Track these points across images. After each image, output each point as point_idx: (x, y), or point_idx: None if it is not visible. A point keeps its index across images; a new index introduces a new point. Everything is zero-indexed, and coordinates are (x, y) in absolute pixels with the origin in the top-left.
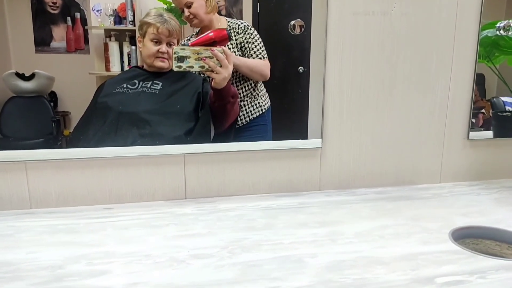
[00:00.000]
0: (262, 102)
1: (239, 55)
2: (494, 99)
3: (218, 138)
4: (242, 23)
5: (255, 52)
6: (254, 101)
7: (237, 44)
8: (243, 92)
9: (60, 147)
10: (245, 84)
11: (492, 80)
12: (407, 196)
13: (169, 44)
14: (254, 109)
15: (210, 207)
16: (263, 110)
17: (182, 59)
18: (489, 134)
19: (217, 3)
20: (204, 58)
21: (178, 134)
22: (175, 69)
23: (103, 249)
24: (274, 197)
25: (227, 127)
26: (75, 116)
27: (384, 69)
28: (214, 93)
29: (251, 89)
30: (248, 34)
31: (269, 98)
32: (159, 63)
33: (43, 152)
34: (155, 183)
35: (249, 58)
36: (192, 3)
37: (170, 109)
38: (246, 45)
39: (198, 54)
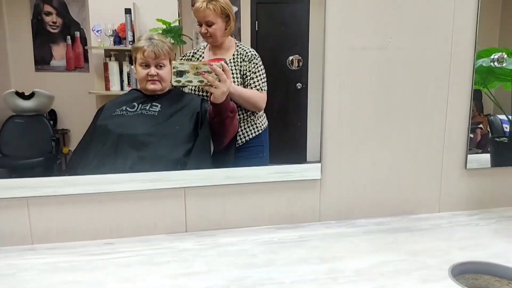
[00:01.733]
0: (259, 123)
1: (240, 82)
2: (492, 117)
3: (219, 156)
4: (250, 51)
5: (254, 83)
6: (250, 122)
7: (240, 71)
8: (240, 114)
9: (60, 165)
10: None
11: (489, 95)
12: (407, 228)
13: (159, 66)
14: (250, 130)
15: (211, 241)
16: (260, 131)
17: (180, 73)
18: (486, 156)
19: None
20: (203, 73)
21: (178, 156)
22: (174, 83)
23: None
24: (275, 229)
25: (227, 143)
26: (75, 134)
27: (381, 101)
28: (213, 108)
29: (248, 111)
30: (252, 63)
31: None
32: (150, 86)
33: (44, 181)
34: (155, 217)
35: (247, 87)
36: (213, 23)
37: (169, 130)
38: (248, 73)
39: (197, 69)
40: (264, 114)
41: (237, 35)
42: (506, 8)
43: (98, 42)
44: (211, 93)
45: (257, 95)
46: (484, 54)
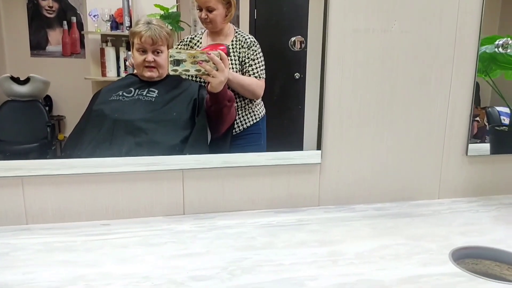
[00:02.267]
0: (256, 111)
1: (239, 69)
2: (489, 109)
3: (215, 143)
4: (249, 37)
5: (253, 70)
6: (248, 109)
7: (239, 57)
8: (238, 101)
9: (55, 151)
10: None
11: (486, 88)
12: (407, 213)
13: (156, 52)
14: (248, 118)
15: (209, 223)
16: (258, 119)
17: (177, 62)
18: (486, 146)
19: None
20: (200, 62)
21: (174, 142)
22: (171, 72)
23: (100, 269)
24: (274, 213)
25: (224, 131)
26: (70, 120)
27: (383, 85)
28: (210, 97)
29: (246, 98)
30: (252, 50)
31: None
32: (147, 73)
33: (39, 163)
34: (153, 199)
35: (245, 74)
36: (214, 9)
37: (166, 117)
38: (247, 60)
39: (194, 57)
40: (262, 102)
41: (235, 22)
42: None
43: (95, 27)
44: (208, 82)
45: (256, 82)
46: (487, 41)
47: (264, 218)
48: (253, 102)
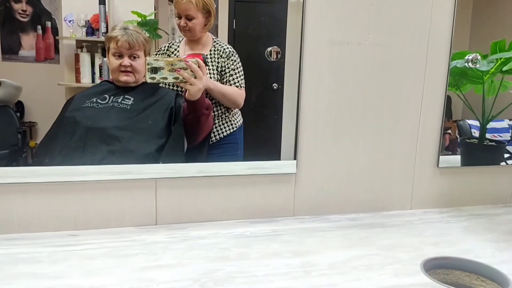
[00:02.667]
0: (234, 120)
1: (217, 79)
2: (461, 122)
3: (192, 152)
4: (227, 47)
5: (233, 79)
6: (225, 119)
7: (217, 67)
8: (215, 110)
9: (25, 159)
10: (218, 103)
11: (458, 101)
12: (379, 224)
13: (132, 57)
14: (225, 127)
15: (182, 234)
16: (235, 128)
17: (155, 70)
18: (457, 158)
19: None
20: (178, 70)
21: (149, 150)
22: (149, 80)
23: (66, 281)
24: (248, 223)
25: (201, 140)
26: (42, 127)
27: (357, 97)
28: (188, 105)
29: (223, 108)
30: (231, 60)
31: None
32: (123, 77)
33: (6, 171)
34: (124, 209)
35: (225, 84)
36: (194, 18)
37: (142, 125)
38: (226, 70)
39: (172, 65)
40: (239, 111)
41: (214, 31)
42: (476, 14)
43: (70, 32)
44: (186, 90)
45: (237, 91)
46: (458, 56)
47: (238, 229)
48: (230, 111)
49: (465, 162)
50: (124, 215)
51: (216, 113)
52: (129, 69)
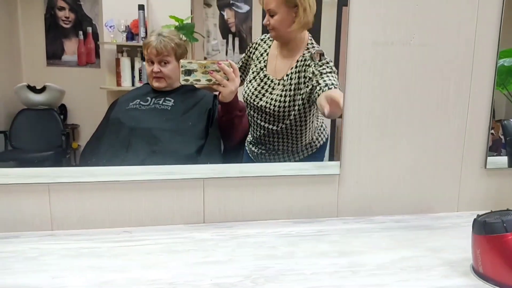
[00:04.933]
0: (314, 142)
1: (299, 96)
2: (505, 121)
3: (229, 153)
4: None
5: (325, 81)
6: (305, 144)
7: (298, 78)
8: (284, 144)
9: (69, 160)
10: (288, 136)
11: (501, 100)
12: (426, 226)
13: (163, 63)
14: (303, 151)
15: (229, 232)
16: (314, 150)
17: (189, 72)
18: (503, 159)
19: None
20: (211, 72)
21: (190, 151)
22: (182, 82)
23: (127, 275)
24: (292, 223)
25: (237, 142)
26: (84, 129)
27: (402, 97)
28: (221, 107)
29: (292, 143)
30: (319, 63)
31: None
32: (155, 84)
33: (61, 170)
34: (174, 207)
35: (313, 91)
36: (276, 13)
37: (182, 126)
38: (316, 73)
39: (205, 67)
40: (322, 129)
41: (248, 33)
42: None
43: (111, 37)
44: (219, 92)
45: (339, 93)
46: (505, 54)
47: (283, 228)
48: (305, 141)
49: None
50: (174, 213)
51: (285, 145)
52: (159, 75)
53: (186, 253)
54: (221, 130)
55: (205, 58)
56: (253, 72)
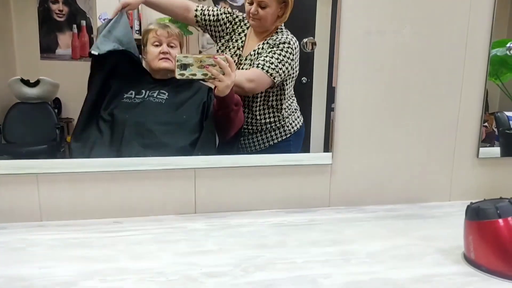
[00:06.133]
0: (287, 127)
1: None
2: (498, 113)
3: (223, 148)
4: (283, 37)
5: (261, 61)
6: (279, 127)
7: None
8: (265, 119)
9: (63, 153)
10: (267, 111)
11: (494, 93)
12: (418, 215)
13: (170, 46)
14: (276, 134)
15: (221, 222)
16: (288, 135)
17: (184, 66)
18: (496, 150)
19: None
20: (207, 66)
21: (183, 145)
22: (178, 77)
23: (116, 265)
24: (284, 213)
25: (232, 135)
26: None
27: (395, 88)
28: (217, 101)
29: (274, 116)
30: (276, 47)
31: None
32: (163, 64)
33: (52, 162)
34: (165, 197)
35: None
36: (267, 6)
37: (176, 119)
38: (261, 53)
39: (201, 61)
40: (298, 113)
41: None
42: None
43: None
44: (215, 86)
45: (256, 72)
46: (498, 45)
47: (275, 218)
48: (284, 116)
49: (505, 153)
50: (166, 203)
51: (266, 119)
52: (167, 56)
53: (177, 243)
54: (216, 124)
55: (200, 52)
56: (229, 50)
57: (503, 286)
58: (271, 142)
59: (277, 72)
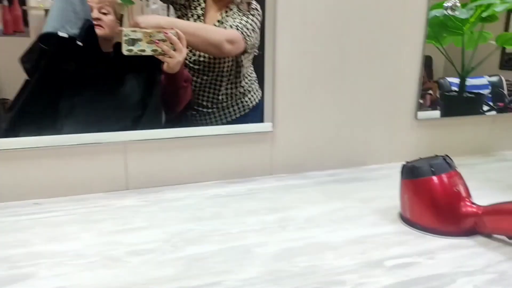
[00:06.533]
0: (246, 102)
1: None
2: (441, 80)
3: (170, 125)
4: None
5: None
6: (237, 102)
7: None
8: (222, 95)
9: None
10: (226, 84)
11: (439, 62)
12: (358, 178)
13: (102, 13)
14: (235, 110)
15: (154, 197)
16: (247, 110)
17: (133, 42)
18: (437, 114)
19: None
20: (157, 41)
21: (124, 123)
22: (126, 53)
23: (29, 249)
24: (225, 184)
25: (180, 111)
26: None
27: (333, 51)
28: (166, 78)
29: (232, 87)
30: (241, 13)
31: None
32: (96, 30)
33: None
34: (91, 174)
35: None
36: None
37: (117, 96)
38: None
39: (150, 36)
40: (256, 87)
41: None
42: None
43: (38, 2)
44: (164, 62)
45: (211, 28)
46: (436, 7)
47: (214, 189)
48: (243, 89)
49: (444, 114)
50: (93, 181)
51: (223, 91)
52: (99, 22)
53: (102, 222)
54: (164, 101)
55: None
56: (188, 19)
57: (436, 242)
58: (229, 119)
59: (250, 38)
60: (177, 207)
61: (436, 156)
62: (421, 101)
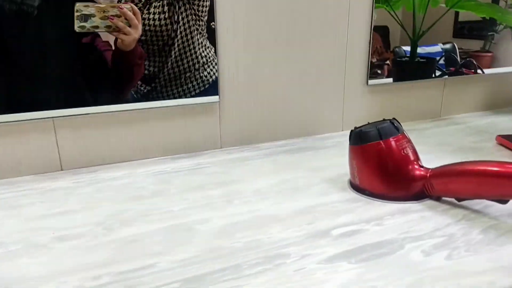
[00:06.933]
0: (205, 78)
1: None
2: (396, 48)
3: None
4: None
5: None
6: (197, 77)
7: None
8: (179, 70)
9: None
10: (183, 58)
11: (396, 32)
12: (309, 147)
13: None
14: (194, 86)
15: (90, 177)
16: (206, 85)
17: (85, 18)
18: (389, 80)
19: None
20: (111, 17)
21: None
22: (77, 29)
23: None
24: (170, 160)
25: (131, 89)
26: None
27: (281, 19)
28: (119, 56)
29: (189, 65)
30: None
31: None
32: None
33: None
34: (17, 156)
35: None
36: None
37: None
38: None
39: (104, 12)
40: (213, 64)
41: None
42: None
43: None
44: (118, 39)
45: None
46: None
47: (158, 166)
48: (200, 63)
49: (396, 79)
50: (20, 163)
51: (180, 66)
52: None
53: (29, 206)
54: (115, 79)
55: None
56: None
57: (384, 208)
58: (188, 96)
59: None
60: (115, 187)
61: (384, 120)
62: (379, 71)
